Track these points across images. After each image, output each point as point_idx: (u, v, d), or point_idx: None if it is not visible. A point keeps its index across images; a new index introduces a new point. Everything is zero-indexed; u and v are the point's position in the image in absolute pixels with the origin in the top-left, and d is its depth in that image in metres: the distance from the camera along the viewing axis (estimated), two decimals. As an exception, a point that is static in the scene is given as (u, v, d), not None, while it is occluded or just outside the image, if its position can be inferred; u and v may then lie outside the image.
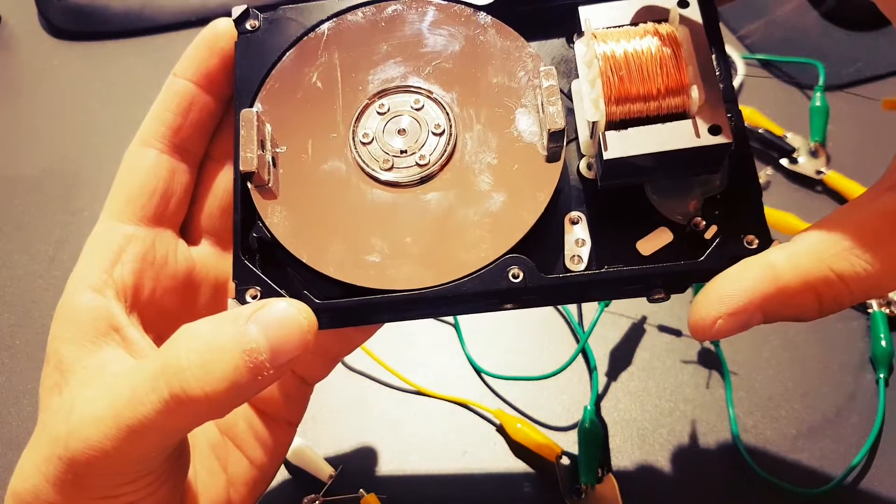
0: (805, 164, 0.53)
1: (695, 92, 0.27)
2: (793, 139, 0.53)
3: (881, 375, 0.45)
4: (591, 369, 0.47)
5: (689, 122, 0.27)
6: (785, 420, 0.45)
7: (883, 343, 0.45)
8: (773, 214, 0.49)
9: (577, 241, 0.29)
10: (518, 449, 0.45)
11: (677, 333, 0.48)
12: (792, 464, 0.43)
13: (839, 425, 0.44)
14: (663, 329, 0.48)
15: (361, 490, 0.44)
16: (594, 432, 0.43)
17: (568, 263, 0.29)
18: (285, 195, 0.30)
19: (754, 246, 0.27)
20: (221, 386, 0.24)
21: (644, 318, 0.48)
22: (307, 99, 0.31)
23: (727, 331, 0.26)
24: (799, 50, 0.57)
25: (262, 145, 0.29)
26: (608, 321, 0.48)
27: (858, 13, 0.59)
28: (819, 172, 0.52)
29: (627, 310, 0.49)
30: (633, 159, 0.27)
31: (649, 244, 0.29)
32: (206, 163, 0.34)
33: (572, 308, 0.49)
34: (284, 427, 0.36)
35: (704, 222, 0.28)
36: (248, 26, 0.32)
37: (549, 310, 0.50)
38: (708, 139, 0.26)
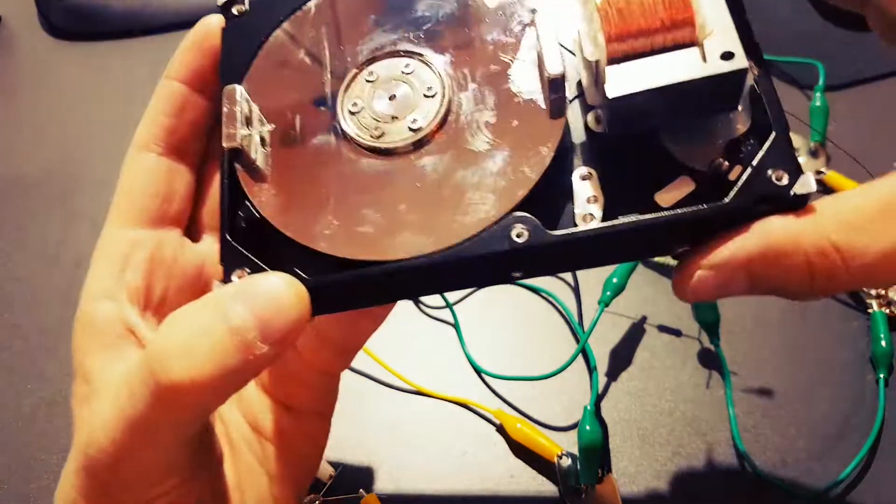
0: (805, 165, 0.52)
1: (700, 17, 0.25)
2: (793, 139, 0.53)
3: (881, 376, 0.45)
4: (591, 369, 0.47)
5: (697, 49, 0.24)
6: (785, 420, 0.45)
7: (883, 343, 0.45)
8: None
9: (589, 198, 0.27)
10: (518, 449, 0.45)
11: (677, 333, 0.48)
12: (792, 464, 0.43)
13: (839, 425, 0.44)
14: (663, 329, 0.48)
15: (361, 490, 0.44)
16: (594, 432, 0.43)
17: (579, 223, 0.26)
18: (274, 173, 0.29)
19: (784, 182, 0.24)
20: (209, 370, 0.23)
21: (644, 318, 0.48)
22: (295, 74, 0.30)
23: (707, 286, 0.24)
24: (799, 50, 0.57)
25: (248, 123, 0.28)
26: (608, 321, 0.48)
27: (857, 14, 0.59)
28: (819, 172, 0.52)
29: (627, 310, 0.49)
30: (640, 96, 0.24)
31: (669, 195, 0.26)
32: (206, 162, 0.34)
33: (572, 307, 0.49)
34: (316, 420, 0.36)
35: (728, 163, 0.26)
36: (234, 11, 0.31)
37: (549, 309, 0.50)
38: (720, 66, 0.24)
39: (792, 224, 0.24)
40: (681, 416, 0.45)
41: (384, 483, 0.45)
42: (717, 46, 0.24)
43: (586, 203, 0.27)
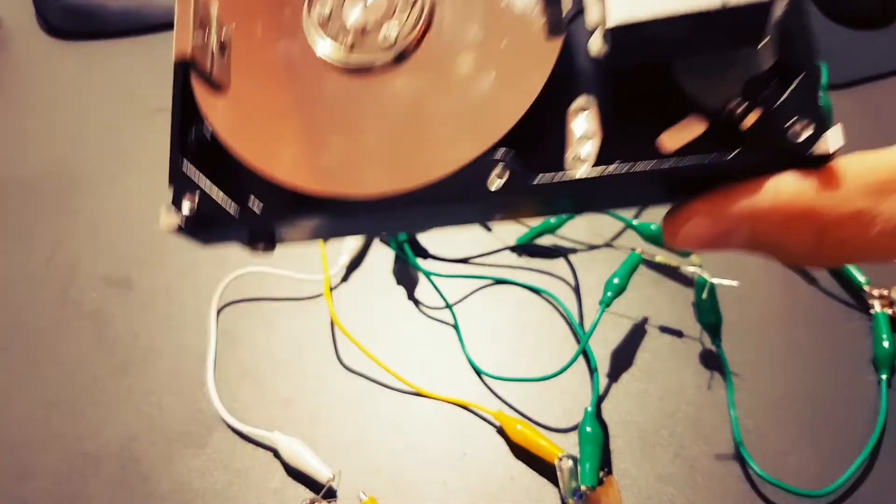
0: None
1: None
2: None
3: (883, 377, 0.45)
4: (592, 370, 0.47)
5: None
6: (786, 421, 0.45)
7: (885, 344, 0.45)
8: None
9: (584, 134, 0.24)
10: (518, 451, 0.45)
11: (679, 334, 0.48)
12: (794, 465, 0.43)
13: (841, 427, 0.44)
14: (664, 330, 0.48)
15: (361, 492, 0.44)
16: (595, 434, 0.43)
17: (570, 163, 0.23)
18: (233, 85, 0.26)
19: (803, 138, 0.21)
20: None
21: (645, 319, 0.48)
22: None
23: (702, 233, 0.22)
24: (799, 50, 0.57)
25: (203, 27, 0.25)
26: (609, 322, 0.48)
27: (859, 13, 0.59)
28: (820, 173, 0.52)
29: (629, 310, 0.48)
30: (646, 26, 0.21)
31: (675, 137, 0.23)
32: None
33: (573, 308, 0.49)
34: None
35: (743, 108, 0.22)
36: None
37: (550, 310, 0.50)
38: None
39: (808, 187, 0.21)
40: (682, 417, 0.45)
41: (384, 485, 0.45)
42: None
43: (580, 140, 0.24)
